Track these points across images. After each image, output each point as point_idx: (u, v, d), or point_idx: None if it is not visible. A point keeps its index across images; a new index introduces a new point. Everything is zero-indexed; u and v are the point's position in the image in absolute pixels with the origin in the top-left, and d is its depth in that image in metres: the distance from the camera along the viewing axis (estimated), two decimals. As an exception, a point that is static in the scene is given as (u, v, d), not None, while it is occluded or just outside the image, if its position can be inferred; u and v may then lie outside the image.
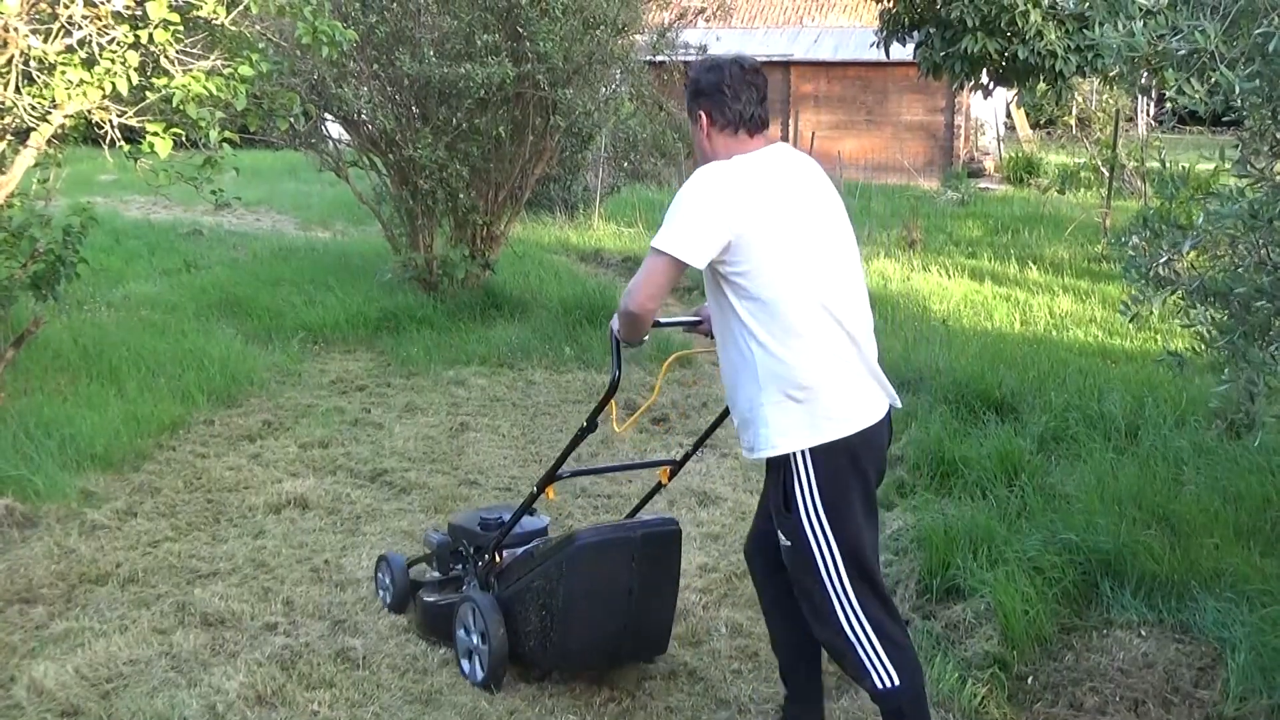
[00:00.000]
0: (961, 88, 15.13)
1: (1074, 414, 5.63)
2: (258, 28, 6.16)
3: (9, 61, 4.90)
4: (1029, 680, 3.63)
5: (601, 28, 9.05)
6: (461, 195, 9.06)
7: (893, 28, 13.36)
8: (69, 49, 4.90)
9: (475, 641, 3.62)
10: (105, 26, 4.86)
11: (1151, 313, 3.65)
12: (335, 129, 9.84)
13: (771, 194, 2.87)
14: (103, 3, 4.80)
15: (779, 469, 2.88)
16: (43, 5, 4.92)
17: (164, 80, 5.00)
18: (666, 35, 11.71)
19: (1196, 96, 3.04)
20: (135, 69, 4.83)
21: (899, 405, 3.06)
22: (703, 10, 15.13)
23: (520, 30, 8.50)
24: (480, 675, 3.59)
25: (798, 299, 2.81)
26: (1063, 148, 23.20)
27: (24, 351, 6.33)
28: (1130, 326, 7.56)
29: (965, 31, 12.41)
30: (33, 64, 4.91)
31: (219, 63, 5.20)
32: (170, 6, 4.77)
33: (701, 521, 5.02)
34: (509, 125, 9.12)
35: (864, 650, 2.86)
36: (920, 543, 4.41)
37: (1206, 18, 2.97)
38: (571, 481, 5.33)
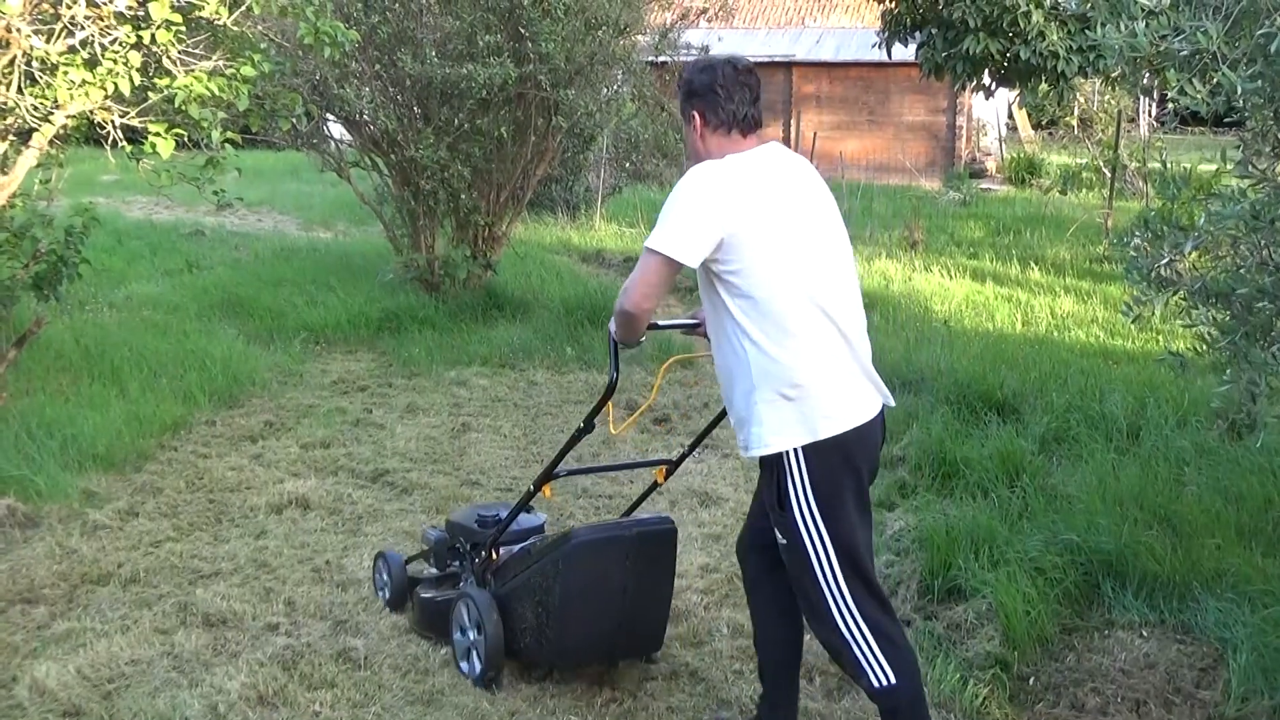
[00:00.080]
0: (963, 88, 15.13)
1: (1075, 415, 5.63)
2: (260, 28, 6.17)
3: (11, 62, 4.90)
4: (1030, 681, 3.63)
5: (603, 28, 9.06)
6: (463, 196, 9.07)
7: (894, 28, 13.35)
8: (71, 49, 4.91)
9: (471, 637, 3.63)
10: (107, 27, 4.87)
11: (1153, 313, 3.64)
12: (337, 129, 9.85)
13: (764, 193, 2.87)
14: (105, 3, 4.80)
15: (773, 467, 2.89)
16: (45, 6, 4.93)
17: (166, 81, 5.00)
18: (668, 36, 11.71)
19: (1198, 97, 3.04)
20: (137, 69, 4.84)
21: (892, 404, 3.06)
22: (705, 11, 15.14)
23: (522, 31, 8.51)
24: (478, 669, 3.59)
25: (790, 297, 2.82)
26: (1064, 148, 23.22)
27: (26, 352, 6.34)
28: (1132, 327, 7.56)
29: (967, 32, 12.41)
30: (35, 64, 4.92)
31: (221, 63, 5.21)
32: (173, 7, 4.78)
33: (703, 522, 5.02)
34: (511, 126, 9.13)
35: (859, 648, 2.86)
36: (922, 543, 4.41)
37: (1209, 18, 2.97)
38: (572, 482, 5.33)
